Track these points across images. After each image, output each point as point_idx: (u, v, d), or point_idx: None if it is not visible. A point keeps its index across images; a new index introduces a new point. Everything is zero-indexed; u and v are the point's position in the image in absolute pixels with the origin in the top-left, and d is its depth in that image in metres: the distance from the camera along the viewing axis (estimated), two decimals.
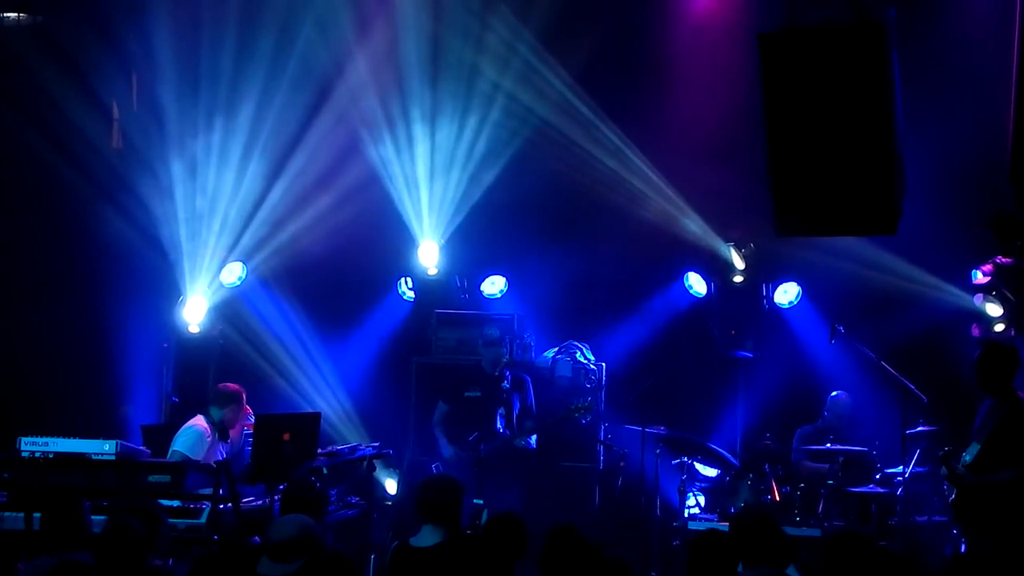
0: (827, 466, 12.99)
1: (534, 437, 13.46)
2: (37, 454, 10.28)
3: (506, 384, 13.41)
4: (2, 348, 14.78)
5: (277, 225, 15.06)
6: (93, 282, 14.96)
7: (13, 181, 14.97)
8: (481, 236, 15.27)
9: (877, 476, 12.78)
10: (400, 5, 14.74)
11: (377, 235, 15.13)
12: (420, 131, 15.03)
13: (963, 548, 11.39)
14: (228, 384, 12.12)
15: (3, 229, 14.87)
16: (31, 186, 14.92)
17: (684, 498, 13.10)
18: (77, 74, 14.66)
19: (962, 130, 13.56)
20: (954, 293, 14.03)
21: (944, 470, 10.68)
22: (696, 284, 15.11)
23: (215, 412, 11.80)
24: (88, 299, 14.96)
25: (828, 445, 13.00)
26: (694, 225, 14.83)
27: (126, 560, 7.87)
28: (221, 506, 10.07)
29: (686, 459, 13.26)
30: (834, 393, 13.68)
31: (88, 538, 8.48)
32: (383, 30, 14.77)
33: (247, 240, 15.09)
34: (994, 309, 13.80)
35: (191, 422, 11.88)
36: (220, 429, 11.74)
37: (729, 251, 14.79)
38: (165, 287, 14.95)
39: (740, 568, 7.86)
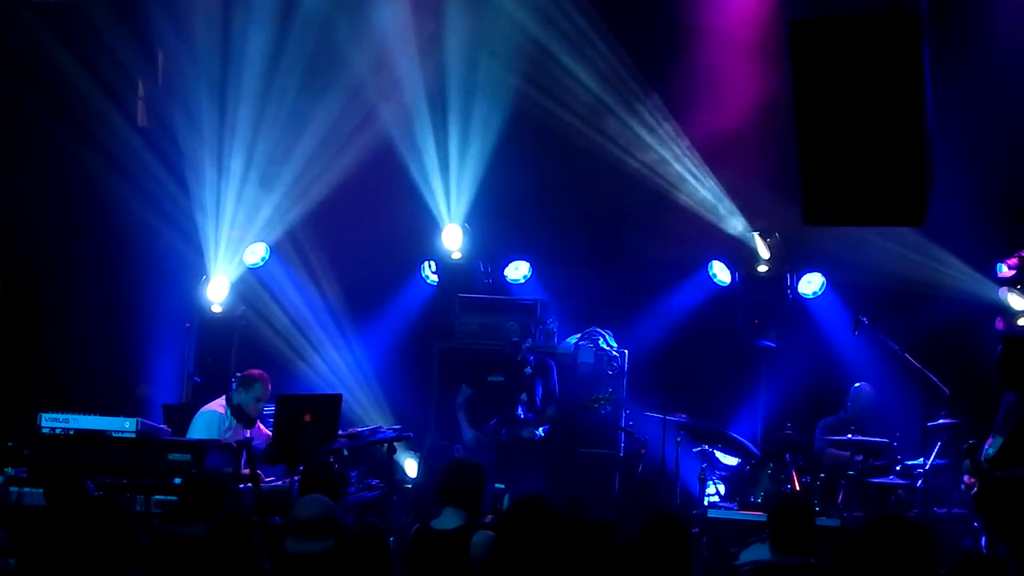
0: (848, 456, 12.96)
1: (542, 428, 13.44)
2: (58, 431, 10.32)
3: (528, 369, 13.42)
4: (25, 325, 14.82)
5: (301, 206, 15.06)
6: (117, 260, 15.01)
7: (38, 160, 15.00)
8: (505, 221, 15.27)
9: (898, 468, 12.74)
10: None
11: (401, 218, 15.13)
12: (444, 112, 15.00)
13: (983, 541, 11.35)
14: (251, 370, 12.09)
15: (28, 208, 14.90)
16: (56, 165, 14.95)
17: (704, 486, 13.07)
18: (103, 52, 14.67)
19: (990, 123, 13.53)
20: (979, 286, 13.98)
21: (968, 463, 10.64)
22: (720, 273, 15.09)
23: (235, 396, 11.79)
24: (111, 277, 15.01)
25: (849, 436, 12.96)
26: (720, 213, 14.80)
27: (114, 535, 7.85)
28: (241, 486, 10.08)
29: (707, 447, 13.25)
30: (857, 384, 13.64)
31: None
32: (414, 16, 14.73)
33: (271, 220, 15.10)
34: (1018, 302, 13.74)
35: (207, 406, 11.89)
36: (238, 413, 11.69)
37: (755, 240, 14.74)
38: (188, 266, 14.96)
39: (770, 555, 7.91)
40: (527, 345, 13.61)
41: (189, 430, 11.64)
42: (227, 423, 11.67)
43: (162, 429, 11.06)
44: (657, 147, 14.76)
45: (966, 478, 10.78)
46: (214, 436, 11.38)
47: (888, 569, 7.14)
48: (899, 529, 7.29)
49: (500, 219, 15.23)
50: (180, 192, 15.01)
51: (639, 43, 14.77)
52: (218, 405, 11.81)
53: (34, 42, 14.67)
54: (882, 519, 7.60)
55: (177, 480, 10.09)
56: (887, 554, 7.18)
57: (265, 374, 11.94)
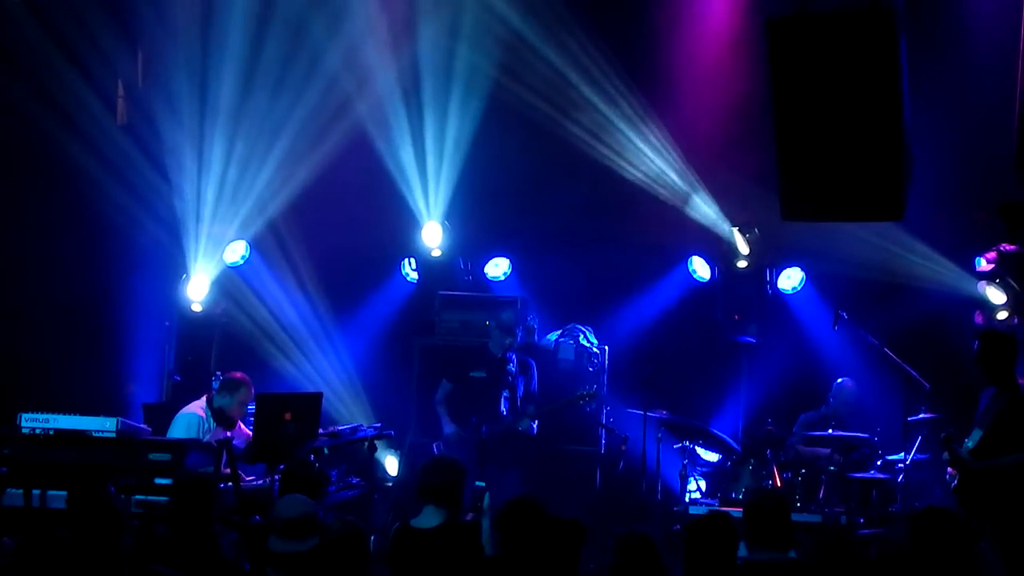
0: (826, 452, 12.97)
1: (536, 422, 13.44)
2: (38, 430, 10.26)
3: (512, 367, 13.41)
4: (4, 324, 14.76)
5: (281, 204, 15.04)
6: (96, 259, 14.94)
7: (17, 157, 14.92)
8: (485, 218, 15.27)
9: (878, 463, 12.76)
10: None
11: (381, 215, 15.12)
12: (425, 111, 15.01)
13: None
14: (234, 373, 12.06)
15: (7, 204, 14.83)
16: (35, 162, 14.87)
17: (685, 483, 13.08)
18: (82, 50, 14.62)
19: (967, 117, 13.57)
20: (958, 280, 14.01)
21: (946, 454, 10.66)
22: (700, 269, 15.10)
23: (217, 399, 11.77)
24: (91, 276, 14.93)
25: (829, 431, 12.97)
26: (699, 209, 14.82)
27: (103, 536, 7.82)
28: (221, 485, 10.06)
29: (688, 444, 13.24)
30: (840, 380, 13.62)
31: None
32: (388, 9, 14.73)
33: (251, 218, 15.07)
34: (997, 296, 13.78)
35: (187, 408, 11.86)
36: (220, 416, 11.67)
37: (734, 235, 14.76)
38: (168, 265, 14.93)
39: (743, 551, 7.91)
40: (507, 342, 13.60)
41: (168, 432, 11.61)
42: (207, 425, 11.65)
43: (142, 429, 11.02)
44: (637, 142, 14.78)
45: (950, 469, 10.79)
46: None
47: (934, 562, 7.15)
48: (944, 522, 7.31)
49: (480, 216, 15.23)
50: (160, 190, 14.98)
51: (618, 35, 14.78)
52: (197, 407, 11.79)
53: (11, 38, 14.61)
54: (925, 512, 7.61)
55: (158, 480, 10.08)
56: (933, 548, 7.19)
57: (247, 377, 11.91)
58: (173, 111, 14.87)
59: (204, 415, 11.70)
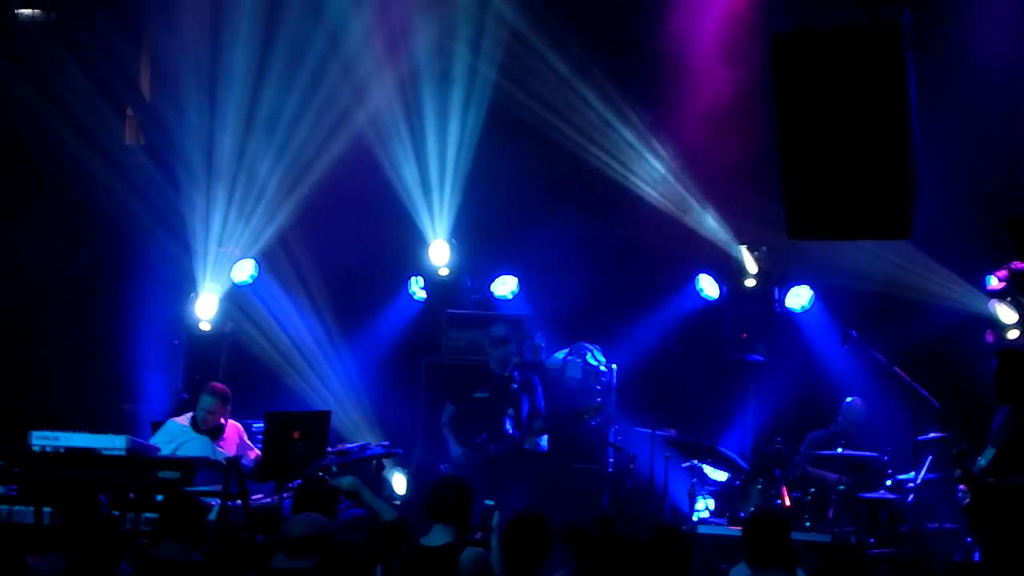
0: (834, 478, 12.93)
1: (545, 438, 13.41)
2: (48, 448, 10.28)
3: (515, 385, 13.38)
4: (14, 342, 14.81)
5: (289, 222, 15.06)
6: (106, 277, 15.00)
7: (29, 176, 15.00)
8: (492, 236, 15.27)
9: (888, 482, 12.73)
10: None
11: (388, 233, 15.13)
12: (430, 128, 15.05)
13: (976, 556, 11.33)
14: (215, 383, 12.10)
15: (19, 223, 14.89)
16: (46, 181, 14.95)
17: (693, 502, 13.07)
18: (92, 69, 14.68)
19: (976, 135, 13.56)
20: (968, 298, 13.99)
21: (958, 472, 10.62)
22: (708, 287, 15.08)
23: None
24: (101, 294, 15.01)
25: (839, 450, 12.94)
26: (707, 227, 14.81)
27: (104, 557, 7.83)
28: (230, 503, 10.06)
29: (696, 462, 13.24)
30: (849, 399, 13.61)
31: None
32: (393, 26, 14.79)
33: (259, 237, 15.09)
34: (1008, 315, 13.74)
35: (179, 416, 11.95)
36: (195, 425, 11.70)
37: (742, 254, 14.75)
38: (177, 283, 14.95)
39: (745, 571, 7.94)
40: (515, 359, 13.60)
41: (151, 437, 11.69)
42: (185, 432, 11.64)
43: (152, 447, 11.05)
44: (644, 159, 14.79)
45: (961, 487, 10.75)
46: (167, 445, 11.40)
47: None
48: None
49: (486, 234, 15.24)
50: (169, 209, 15.02)
51: (625, 51, 14.83)
52: (186, 416, 11.85)
53: (23, 58, 14.69)
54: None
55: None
56: None
57: (218, 387, 11.92)
58: (184, 127, 14.92)
59: (187, 424, 11.73)
